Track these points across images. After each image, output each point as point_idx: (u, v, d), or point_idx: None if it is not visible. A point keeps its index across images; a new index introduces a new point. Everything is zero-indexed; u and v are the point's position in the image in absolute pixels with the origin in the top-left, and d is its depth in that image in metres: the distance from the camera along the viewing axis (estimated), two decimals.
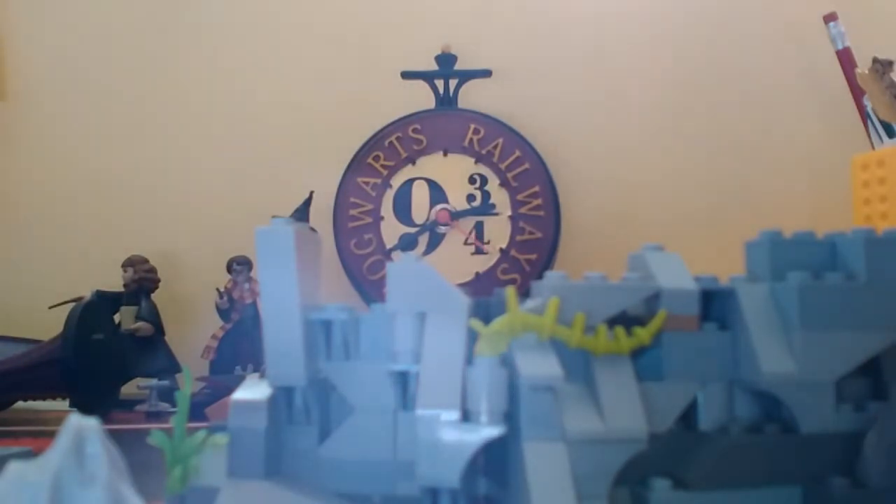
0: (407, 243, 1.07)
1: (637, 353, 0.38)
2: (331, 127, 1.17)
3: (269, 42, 1.22)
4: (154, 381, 0.99)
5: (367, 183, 1.08)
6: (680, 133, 1.18)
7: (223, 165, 1.20)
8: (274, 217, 0.40)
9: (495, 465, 0.36)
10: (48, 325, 0.99)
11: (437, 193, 1.08)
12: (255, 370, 0.63)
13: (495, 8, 1.21)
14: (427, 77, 1.12)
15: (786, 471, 0.37)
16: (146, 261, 1.08)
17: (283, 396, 0.38)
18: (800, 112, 1.17)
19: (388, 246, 1.07)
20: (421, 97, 1.11)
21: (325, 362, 0.39)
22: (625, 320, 0.39)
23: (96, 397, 0.96)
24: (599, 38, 1.19)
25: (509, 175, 1.08)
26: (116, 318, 1.05)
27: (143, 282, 1.07)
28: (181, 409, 0.38)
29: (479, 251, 1.07)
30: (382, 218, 1.08)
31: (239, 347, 1.03)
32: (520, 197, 1.07)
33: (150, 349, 1.04)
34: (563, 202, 1.08)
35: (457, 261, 1.06)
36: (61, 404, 1.00)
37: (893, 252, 0.39)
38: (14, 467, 0.27)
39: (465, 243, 1.07)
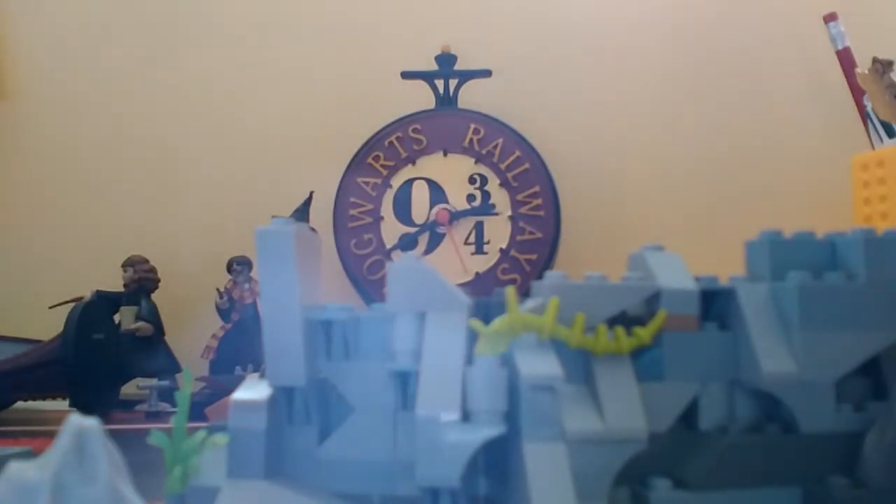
0: (407, 243, 1.07)
1: (637, 353, 0.38)
2: (331, 127, 1.17)
3: (269, 42, 1.22)
4: (154, 381, 0.99)
5: (367, 183, 1.08)
6: (680, 133, 1.19)
7: (223, 165, 1.20)
8: (274, 217, 0.40)
9: (495, 465, 0.36)
10: (48, 325, 0.99)
11: (437, 193, 1.08)
12: (255, 370, 0.63)
13: (495, 8, 1.21)
14: (427, 77, 1.12)
15: (786, 471, 0.37)
16: (146, 261, 1.08)
17: (283, 396, 0.38)
18: (800, 112, 1.17)
19: (388, 246, 1.07)
20: (421, 97, 1.11)
21: (325, 362, 0.39)
22: (625, 320, 0.39)
23: (96, 397, 0.96)
24: (599, 38, 1.19)
25: (509, 175, 1.08)
26: (116, 318, 1.06)
27: (143, 282, 1.07)
28: (181, 409, 0.38)
29: (479, 251, 1.07)
30: (382, 218, 1.08)
31: (239, 347, 1.02)
32: (520, 197, 1.07)
33: (150, 349, 1.04)
34: (563, 202, 1.08)
35: (457, 261, 1.06)
36: (61, 404, 1.00)
37: (893, 252, 0.39)
38: (14, 467, 0.27)
39: (466, 242, 1.07)
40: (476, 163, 1.08)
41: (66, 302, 1.01)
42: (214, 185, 1.20)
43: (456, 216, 1.07)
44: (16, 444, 0.69)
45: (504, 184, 1.08)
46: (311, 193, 1.09)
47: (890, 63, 0.97)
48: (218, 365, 1.03)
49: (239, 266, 1.06)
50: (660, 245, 0.41)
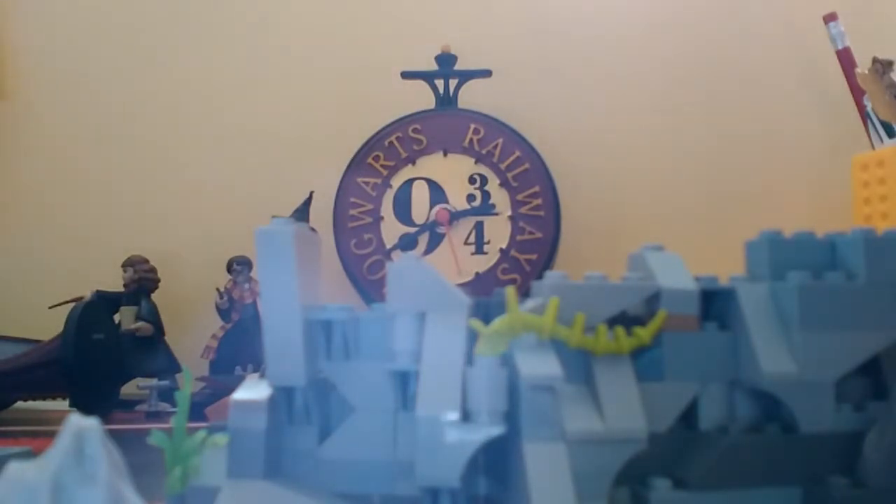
0: (407, 243, 1.07)
1: (637, 353, 0.38)
2: (331, 127, 1.17)
3: (269, 42, 1.22)
4: (154, 381, 0.99)
5: (367, 183, 1.08)
6: (680, 133, 1.19)
7: (223, 165, 1.20)
8: (274, 217, 0.40)
9: (495, 465, 0.36)
10: (48, 325, 0.99)
11: (437, 193, 1.08)
12: (255, 370, 0.63)
13: (495, 8, 1.21)
14: (427, 77, 1.12)
15: (786, 471, 0.37)
16: (146, 261, 1.08)
17: (283, 396, 0.38)
18: (800, 112, 1.17)
19: (388, 246, 1.07)
20: (421, 97, 1.11)
21: (325, 362, 0.39)
22: (625, 320, 0.39)
23: (96, 397, 0.96)
24: (599, 38, 1.20)
25: (509, 175, 1.08)
26: (116, 318, 1.05)
27: (143, 282, 1.07)
28: (181, 409, 0.38)
29: (480, 251, 1.07)
30: (382, 218, 1.08)
31: (239, 347, 1.02)
32: (520, 197, 1.07)
33: (150, 349, 1.04)
34: (563, 202, 1.08)
35: (457, 261, 1.06)
36: (61, 404, 1.00)
37: (893, 252, 0.39)
38: (14, 467, 0.27)
39: (466, 242, 1.07)
40: (476, 163, 1.08)
41: (66, 302, 1.00)
42: (214, 185, 1.20)
43: (456, 216, 1.07)
44: (16, 444, 0.69)
45: (504, 184, 1.08)
46: (311, 193, 1.09)
47: (890, 63, 0.97)
48: (218, 365, 1.03)
49: (239, 266, 1.06)
50: (660, 245, 0.41)
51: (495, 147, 1.08)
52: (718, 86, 1.18)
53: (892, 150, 0.93)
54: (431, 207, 1.08)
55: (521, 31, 1.20)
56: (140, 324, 1.04)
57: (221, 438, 0.38)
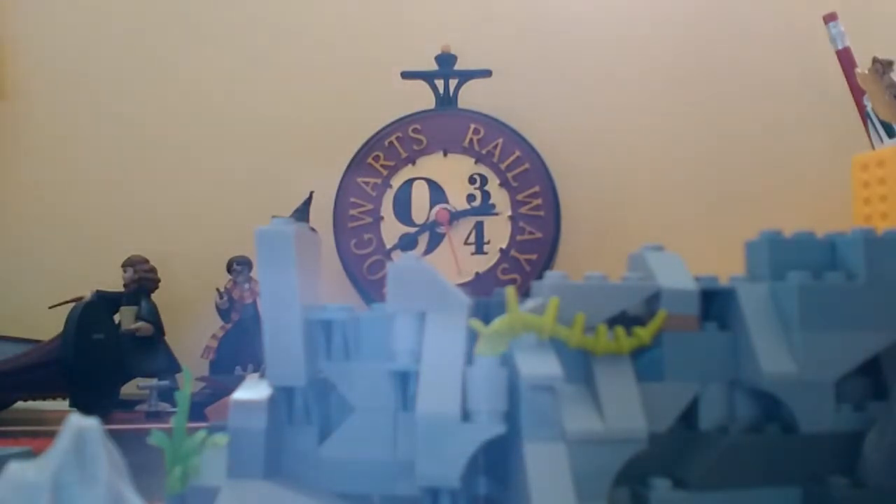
0: (407, 243, 1.07)
1: (637, 353, 0.38)
2: (331, 127, 1.17)
3: (269, 42, 1.22)
4: (154, 381, 0.99)
5: (367, 183, 1.08)
6: (680, 133, 1.19)
7: (223, 165, 1.20)
8: (274, 217, 0.40)
9: (495, 465, 0.36)
10: (48, 325, 0.99)
11: (437, 193, 1.08)
12: (255, 370, 0.63)
13: (495, 8, 1.21)
14: (427, 77, 1.12)
15: (786, 471, 0.37)
16: (146, 261, 1.08)
17: (283, 396, 0.38)
18: (800, 112, 1.17)
19: (388, 246, 1.07)
20: (421, 97, 1.11)
21: (325, 362, 0.39)
22: (625, 320, 0.39)
23: (96, 397, 0.96)
24: (599, 38, 1.20)
25: (509, 175, 1.08)
26: (116, 318, 1.06)
27: (143, 282, 1.07)
28: (181, 409, 0.38)
29: (480, 251, 1.07)
30: (382, 218, 1.08)
31: (239, 347, 1.03)
32: (520, 197, 1.07)
33: (150, 349, 1.04)
34: (563, 202, 1.08)
35: (457, 261, 1.06)
36: (61, 404, 1.00)
37: (893, 252, 0.39)
38: (14, 467, 0.27)
39: (466, 242, 1.07)
40: (476, 163, 1.08)
41: (66, 302, 1.01)
42: (214, 185, 1.20)
43: (456, 216, 1.07)
44: (16, 444, 0.69)
45: (504, 184, 1.08)
46: (311, 193, 1.09)
47: (890, 63, 0.97)
48: (218, 365, 1.03)
49: (239, 266, 1.06)
50: (660, 245, 0.41)
51: (495, 147, 1.08)
52: (718, 86, 1.18)
53: (892, 150, 0.93)
54: (431, 207, 1.08)
55: (521, 31, 1.20)
56: (140, 324, 1.04)
57: (221, 438, 0.38)
